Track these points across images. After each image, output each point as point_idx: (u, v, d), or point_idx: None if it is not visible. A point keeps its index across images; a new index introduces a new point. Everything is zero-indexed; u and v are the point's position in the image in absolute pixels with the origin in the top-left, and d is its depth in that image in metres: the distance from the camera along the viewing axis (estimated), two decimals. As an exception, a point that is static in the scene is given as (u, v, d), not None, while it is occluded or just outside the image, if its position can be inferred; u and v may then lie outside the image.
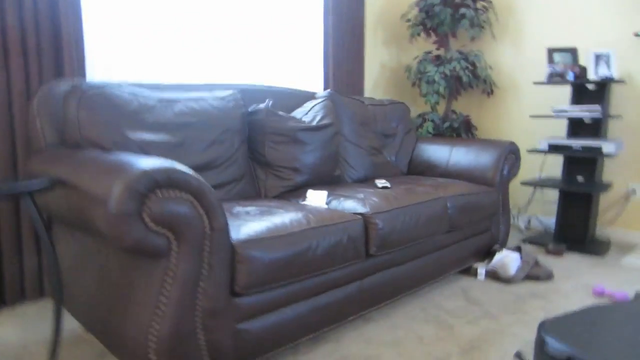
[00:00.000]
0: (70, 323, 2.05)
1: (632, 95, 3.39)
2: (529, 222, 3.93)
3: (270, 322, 1.60)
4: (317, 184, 2.48)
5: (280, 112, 2.42)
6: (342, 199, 2.08)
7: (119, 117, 1.82)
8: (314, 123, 2.49)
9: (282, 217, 1.69)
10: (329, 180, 2.56)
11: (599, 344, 1.53)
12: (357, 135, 2.89)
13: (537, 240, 3.41)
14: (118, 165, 1.28)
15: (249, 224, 1.60)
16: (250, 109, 2.39)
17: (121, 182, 1.21)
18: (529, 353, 1.77)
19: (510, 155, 2.87)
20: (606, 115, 3.18)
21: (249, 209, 1.83)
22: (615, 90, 3.43)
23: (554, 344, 1.53)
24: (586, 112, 3.19)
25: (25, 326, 2.03)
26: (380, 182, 2.42)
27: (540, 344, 1.58)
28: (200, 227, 1.35)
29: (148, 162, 1.28)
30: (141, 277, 1.36)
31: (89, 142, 1.74)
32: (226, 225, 1.41)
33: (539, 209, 3.89)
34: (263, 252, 1.51)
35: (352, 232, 1.80)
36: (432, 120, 3.83)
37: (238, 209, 1.84)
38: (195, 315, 1.38)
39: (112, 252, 1.47)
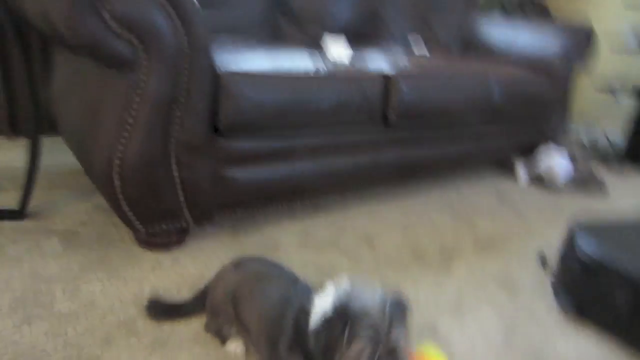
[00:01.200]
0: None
1: None
2: (595, 138, 3.47)
3: (260, 175, 1.43)
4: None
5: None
6: (367, 56, 1.78)
7: None
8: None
9: (290, 59, 1.44)
10: (362, 41, 2.24)
11: (631, 251, 1.27)
12: (402, 3, 2.47)
13: (601, 157, 2.99)
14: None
15: (246, 58, 1.37)
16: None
17: (76, -36, 1.00)
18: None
19: (583, 40, 2.38)
20: None
21: (256, 47, 1.60)
22: None
23: (584, 244, 1.28)
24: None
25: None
26: (418, 48, 2.08)
27: (569, 242, 1.34)
28: (175, 40, 1.14)
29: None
30: (109, 92, 1.19)
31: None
32: (208, 45, 1.19)
33: (610, 123, 3.39)
34: (254, 91, 1.29)
35: (369, 91, 1.54)
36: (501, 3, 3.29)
37: (242, 44, 1.61)
38: (168, 145, 1.22)
39: (89, 68, 1.31)
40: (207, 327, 1.04)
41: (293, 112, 1.38)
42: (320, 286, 0.83)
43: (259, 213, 1.66)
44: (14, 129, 2.16)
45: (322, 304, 0.76)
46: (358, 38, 2.24)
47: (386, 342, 0.69)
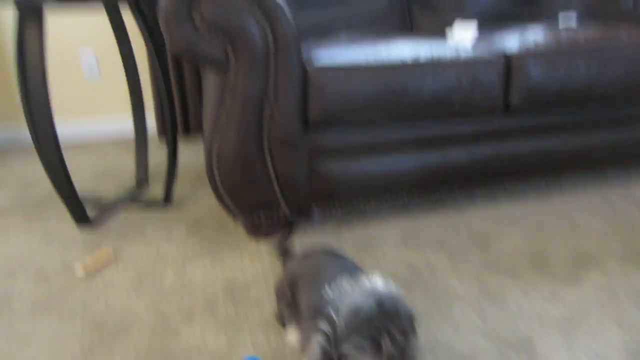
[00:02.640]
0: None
1: None
2: None
3: (357, 169, 1.40)
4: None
5: None
6: (497, 36, 1.59)
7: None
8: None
9: (388, 47, 1.38)
10: (503, 24, 2.00)
11: None
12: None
13: None
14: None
15: (339, 50, 1.36)
16: None
17: (169, -19, 1.13)
18: None
19: None
20: None
21: (359, 39, 1.57)
22: None
23: None
24: None
25: (197, 154, 2.33)
26: (566, 17, 1.77)
27: None
28: (262, 41, 1.19)
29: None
30: (210, 92, 1.32)
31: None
32: (294, 43, 1.22)
33: None
34: (342, 83, 1.28)
35: (483, 76, 1.37)
36: None
37: (348, 38, 1.60)
38: (261, 140, 1.29)
39: (207, 72, 1.47)
40: (276, 316, 1.07)
41: (387, 103, 1.32)
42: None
43: (367, 207, 1.63)
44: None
45: (327, 296, 0.72)
46: (500, 21, 2.01)
47: (336, 349, 0.65)
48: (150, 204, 1.71)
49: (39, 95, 1.38)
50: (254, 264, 1.31)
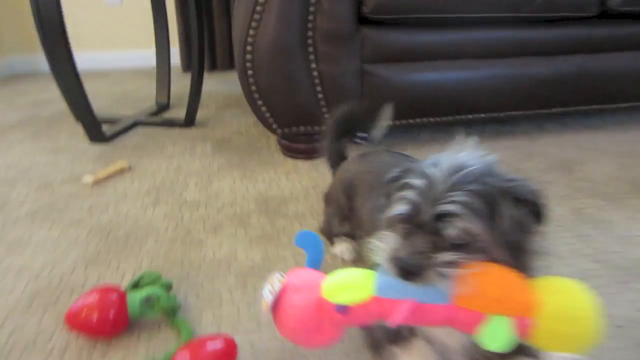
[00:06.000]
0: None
1: None
2: None
3: (416, 78, 1.18)
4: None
5: None
6: None
7: None
8: None
9: None
10: None
11: None
12: None
13: None
14: None
15: None
16: None
17: None
18: None
19: None
20: None
21: None
22: None
23: None
24: None
25: (225, 85, 2.12)
26: None
27: None
28: None
29: None
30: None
31: None
32: None
33: None
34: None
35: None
36: None
37: None
38: (305, 33, 1.07)
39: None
40: (322, 230, 0.86)
41: (459, -9, 1.07)
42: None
43: (419, 128, 1.40)
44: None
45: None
46: None
47: (432, 207, 0.42)
48: (171, 124, 1.51)
49: (52, 12, 1.18)
50: (291, 181, 1.11)
